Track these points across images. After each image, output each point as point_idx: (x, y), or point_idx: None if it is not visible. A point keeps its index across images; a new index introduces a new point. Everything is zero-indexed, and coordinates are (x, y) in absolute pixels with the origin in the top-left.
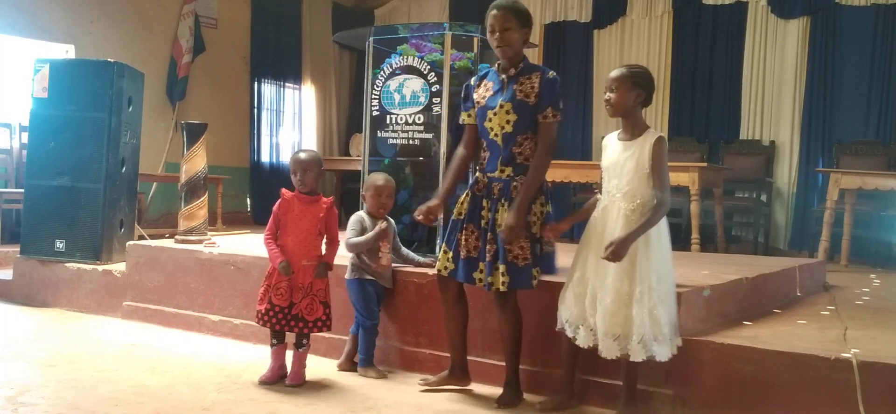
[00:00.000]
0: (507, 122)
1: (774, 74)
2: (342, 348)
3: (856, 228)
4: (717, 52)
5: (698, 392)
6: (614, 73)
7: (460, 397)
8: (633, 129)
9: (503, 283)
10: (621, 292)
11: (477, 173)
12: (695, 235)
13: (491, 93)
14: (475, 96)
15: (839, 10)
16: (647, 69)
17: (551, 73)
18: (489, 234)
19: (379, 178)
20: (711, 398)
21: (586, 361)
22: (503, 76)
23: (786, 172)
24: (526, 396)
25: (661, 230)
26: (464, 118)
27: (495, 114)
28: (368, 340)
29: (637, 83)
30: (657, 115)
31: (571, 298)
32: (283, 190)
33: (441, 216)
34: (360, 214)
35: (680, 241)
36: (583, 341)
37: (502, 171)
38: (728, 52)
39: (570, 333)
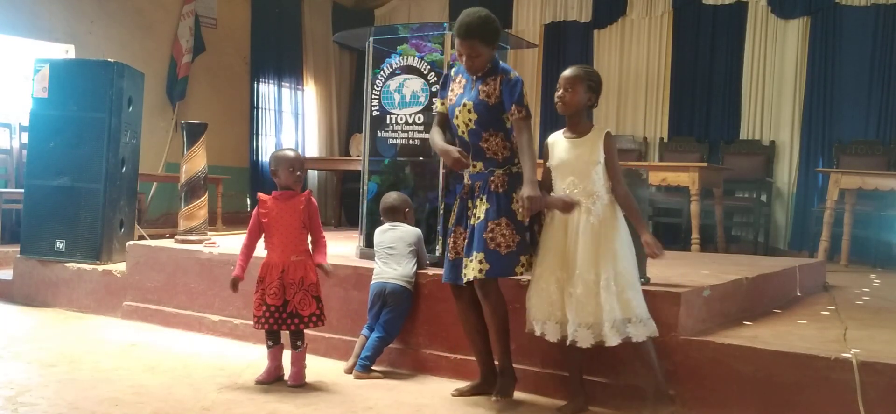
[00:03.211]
0: (470, 119)
1: (774, 74)
2: (343, 349)
3: (856, 228)
4: (717, 52)
5: (698, 392)
6: (570, 73)
7: (459, 398)
8: (580, 126)
9: (481, 270)
10: (589, 282)
11: (465, 179)
12: (695, 235)
13: (461, 90)
14: (449, 92)
15: (839, 10)
16: (598, 73)
17: (513, 75)
18: (466, 229)
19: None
20: (711, 398)
21: (592, 362)
22: (473, 76)
23: (786, 172)
24: (524, 395)
25: (620, 220)
26: (437, 105)
27: (460, 111)
28: (381, 348)
29: (591, 87)
30: (657, 115)
31: (535, 297)
32: (260, 194)
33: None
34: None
35: (680, 241)
36: (551, 335)
37: (474, 167)
38: (728, 52)
39: (538, 331)
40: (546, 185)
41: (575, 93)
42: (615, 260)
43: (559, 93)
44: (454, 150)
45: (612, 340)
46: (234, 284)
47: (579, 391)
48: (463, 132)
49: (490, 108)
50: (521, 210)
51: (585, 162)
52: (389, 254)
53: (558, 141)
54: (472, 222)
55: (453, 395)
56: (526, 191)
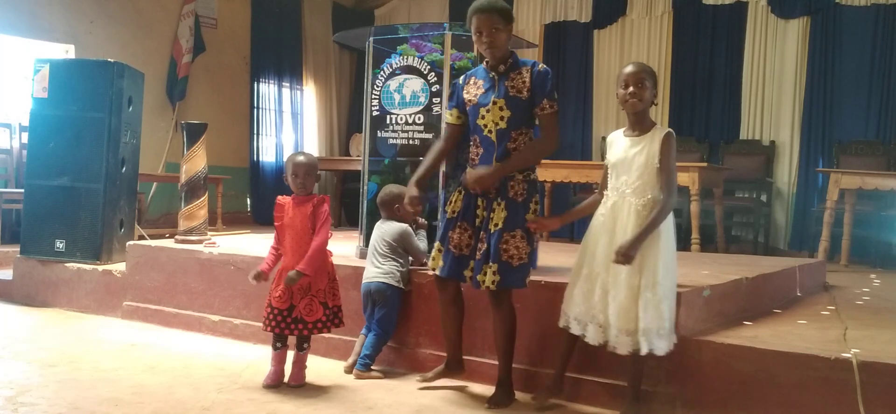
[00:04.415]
0: (501, 118)
1: (774, 74)
2: (343, 349)
3: (856, 227)
4: (717, 52)
5: (698, 392)
6: (636, 69)
7: (460, 398)
8: (642, 125)
9: (493, 282)
10: (634, 287)
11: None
12: (695, 235)
13: (482, 90)
14: (466, 96)
15: (839, 10)
16: None
17: (541, 66)
18: (482, 232)
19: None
20: (711, 398)
21: (589, 360)
22: (493, 74)
23: (786, 172)
24: (521, 395)
25: (669, 228)
26: (447, 117)
27: (488, 110)
28: (380, 347)
29: (655, 81)
30: (657, 115)
31: (579, 296)
32: (279, 197)
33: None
34: (408, 227)
35: (680, 241)
36: (592, 338)
37: None
38: (728, 52)
39: (577, 331)
40: (604, 183)
41: (645, 89)
42: (656, 267)
43: (630, 90)
44: (416, 196)
45: (643, 349)
46: (257, 277)
47: (557, 382)
48: (490, 132)
49: (523, 103)
50: (467, 180)
51: (642, 163)
52: (373, 252)
53: (617, 139)
54: (489, 227)
55: (418, 382)
56: (481, 170)
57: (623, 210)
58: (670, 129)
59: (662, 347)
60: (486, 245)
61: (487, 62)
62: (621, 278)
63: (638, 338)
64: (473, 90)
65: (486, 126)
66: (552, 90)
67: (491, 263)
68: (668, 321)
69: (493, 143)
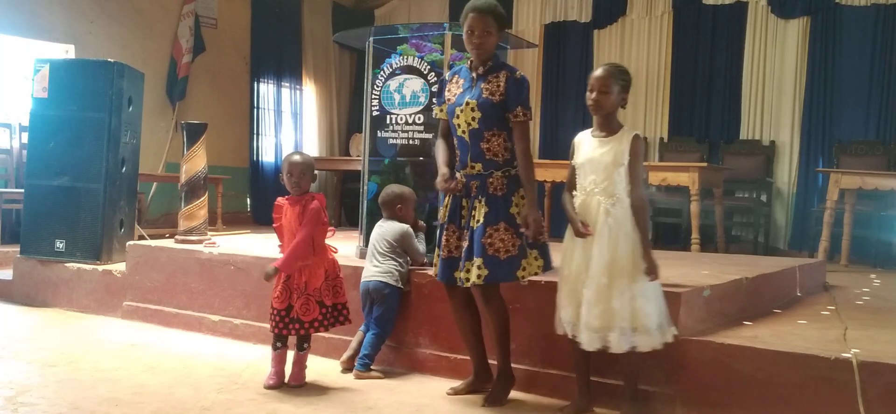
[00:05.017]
0: (473, 119)
1: (774, 74)
2: (343, 349)
3: (856, 228)
4: (717, 52)
5: (699, 392)
6: (601, 73)
7: (460, 397)
8: (610, 126)
9: (479, 276)
10: (601, 285)
11: (457, 174)
12: (695, 235)
13: (461, 90)
14: (447, 94)
15: (839, 10)
16: (628, 70)
17: (519, 74)
18: (464, 230)
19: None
20: (712, 398)
21: (593, 363)
22: (473, 74)
23: (786, 172)
24: (524, 395)
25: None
26: (436, 112)
27: (462, 111)
28: (378, 346)
29: (624, 85)
30: (657, 115)
31: (565, 299)
32: (278, 198)
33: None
34: (409, 228)
35: (680, 241)
36: (587, 343)
37: (473, 168)
38: (728, 52)
39: (569, 333)
40: (571, 184)
41: (609, 94)
42: (628, 263)
43: (593, 95)
44: (444, 174)
45: (619, 347)
46: (267, 274)
47: (584, 392)
48: (463, 132)
49: (494, 107)
50: (528, 233)
51: (609, 162)
52: (372, 251)
53: (585, 139)
54: (471, 224)
55: (448, 394)
56: (531, 214)
57: (592, 208)
58: (637, 132)
59: (644, 343)
60: (468, 242)
61: (471, 62)
62: (593, 278)
63: (607, 334)
64: (454, 89)
65: (459, 126)
66: (526, 99)
67: (475, 259)
68: (647, 318)
69: (466, 144)
